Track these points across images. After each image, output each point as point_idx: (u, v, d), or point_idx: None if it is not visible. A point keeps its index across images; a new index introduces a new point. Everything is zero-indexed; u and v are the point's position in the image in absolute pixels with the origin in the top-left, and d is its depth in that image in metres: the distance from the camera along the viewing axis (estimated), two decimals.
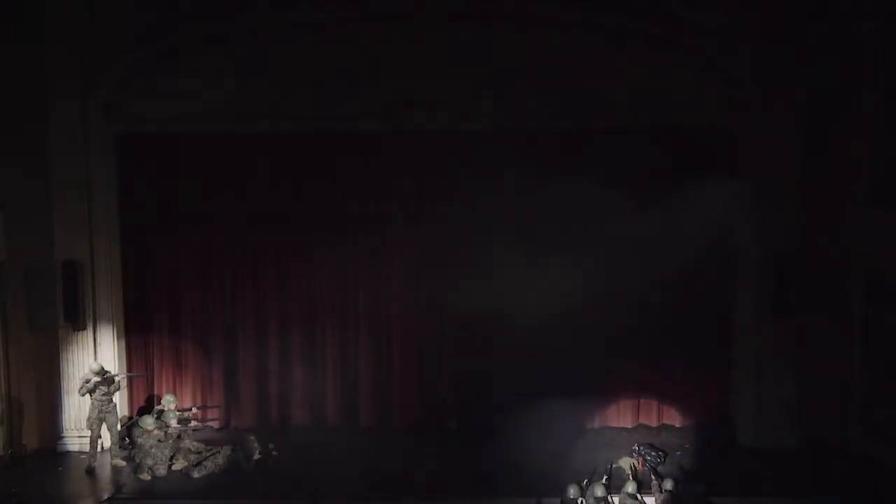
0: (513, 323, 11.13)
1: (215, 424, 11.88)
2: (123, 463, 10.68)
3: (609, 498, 8.70)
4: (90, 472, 10.60)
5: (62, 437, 11.31)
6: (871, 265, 10.58)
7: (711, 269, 11.22)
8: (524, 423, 10.65)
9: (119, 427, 10.92)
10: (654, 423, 11.81)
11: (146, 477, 10.28)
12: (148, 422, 10.49)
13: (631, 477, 9.59)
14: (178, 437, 10.68)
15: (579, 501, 8.57)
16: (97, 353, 11.18)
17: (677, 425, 11.76)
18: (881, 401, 10.56)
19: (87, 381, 10.56)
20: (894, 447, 10.29)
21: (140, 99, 11.10)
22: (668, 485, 8.94)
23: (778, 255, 10.83)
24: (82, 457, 10.94)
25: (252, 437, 10.86)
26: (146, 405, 11.63)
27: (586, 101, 10.99)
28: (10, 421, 10.93)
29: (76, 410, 11.15)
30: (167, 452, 10.46)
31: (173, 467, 10.48)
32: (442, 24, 10.89)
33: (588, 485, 8.91)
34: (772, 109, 10.76)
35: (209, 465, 10.45)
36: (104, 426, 10.73)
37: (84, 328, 11.12)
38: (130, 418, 11.33)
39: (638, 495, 8.90)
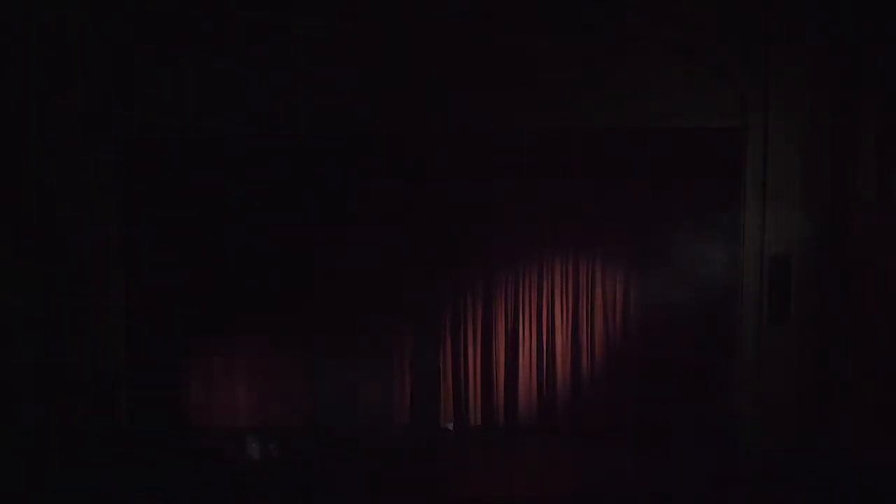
0: None
1: None
2: None
3: None
4: None
5: None
6: (871, 265, 10.58)
7: (712, 269, 11.23)
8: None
9: None
10: None
11: None
12: None
13: None
14: None
15: None
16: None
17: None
18: (881, 401, 10.57)
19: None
20: (894, 447, 10.31)
21: (139, 100, 11.03)
22: None
23: (779, 254, 10.85)
24: None
25: (251, 437, 10.88)
26: None
27: (588, 103, 10.99)
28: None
29: None
30: None
31: None
32: (442, 25, 10.82)
33: None
34: (774, 110, 10.75)
35: None
36: None
37: (84, 329, 11.09)
38: None
39: None
